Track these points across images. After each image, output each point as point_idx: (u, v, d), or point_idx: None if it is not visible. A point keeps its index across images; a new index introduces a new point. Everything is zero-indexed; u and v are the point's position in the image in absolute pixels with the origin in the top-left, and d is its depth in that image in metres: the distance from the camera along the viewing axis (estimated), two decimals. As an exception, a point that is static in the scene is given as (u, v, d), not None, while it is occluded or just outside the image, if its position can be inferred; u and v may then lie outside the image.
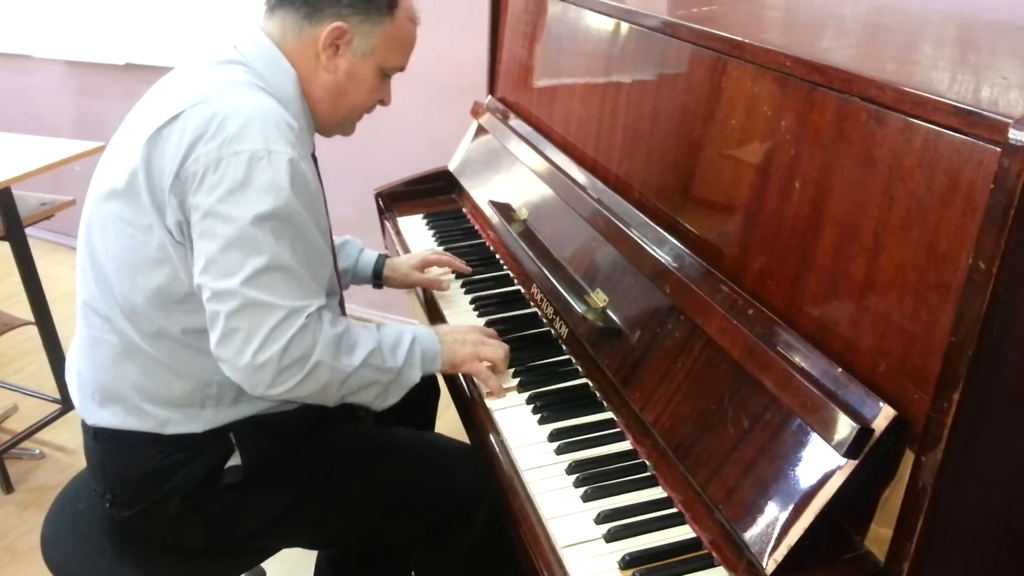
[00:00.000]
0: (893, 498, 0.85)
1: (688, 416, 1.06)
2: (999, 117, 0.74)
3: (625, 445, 1.18)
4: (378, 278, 1.64)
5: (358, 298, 1.94)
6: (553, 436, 1.21)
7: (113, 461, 1.24)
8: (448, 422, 1.69)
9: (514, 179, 1.75)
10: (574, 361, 1.37)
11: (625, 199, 1.37)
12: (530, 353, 1.39)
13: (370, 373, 1.20)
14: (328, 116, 1.28)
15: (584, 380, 1.33)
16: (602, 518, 1.05)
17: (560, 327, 1.43)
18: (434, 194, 2.06)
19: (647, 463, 1.13)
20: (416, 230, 1.92)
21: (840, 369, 0.91)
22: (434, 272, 1.68)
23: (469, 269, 1.67)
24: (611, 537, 1.02)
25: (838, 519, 0.89)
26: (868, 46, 1.17)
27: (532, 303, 1.55)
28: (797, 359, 0.96)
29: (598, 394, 1.28)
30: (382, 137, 2.51)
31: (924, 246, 0.83)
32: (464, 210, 1.97)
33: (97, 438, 1.24)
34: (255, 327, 1.09)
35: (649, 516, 1.04)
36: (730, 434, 0.99)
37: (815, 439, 0.89)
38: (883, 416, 0.85)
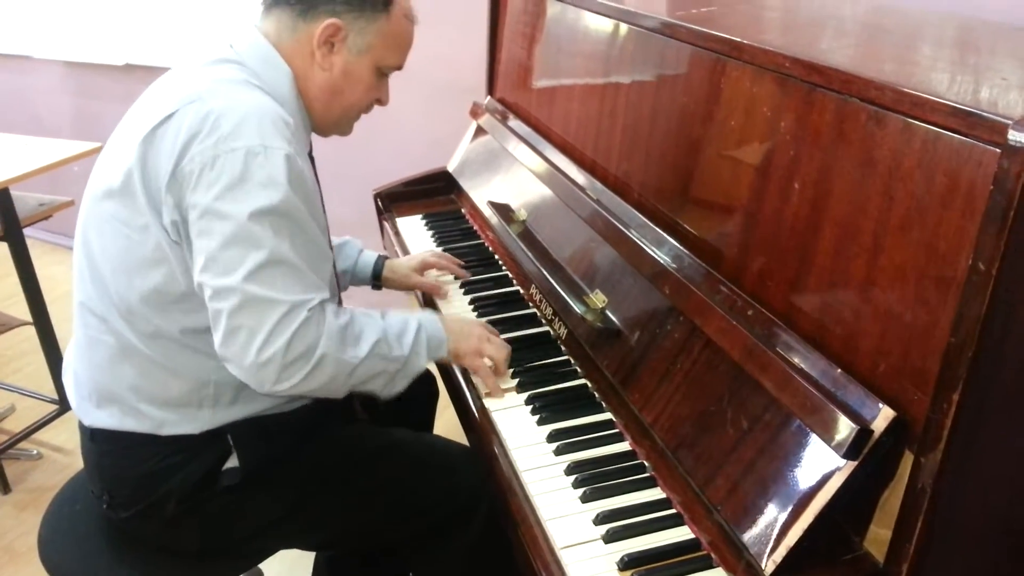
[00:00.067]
0: (892, 499, 0.85)
1: (687, 417, 1.06)
2: (998, 118, 0.74)
3: (624, 446, 1.18)
4: (377, 279, 1.64)
5: (357, 299, 1.93)
6: (552, 437, 1.21)
7: (110, 462, 1.24)
8: (447, 422, 1.69)
9: (513, 180, 1.75)
10: (573, 362, 1.37)
11: (624, 200, 1.37)
12: (529, 354, 1.39)
13: (377, 363, 1.20)
14: (324, 115, 1.28)
15: (583, 381, 1.32)
16: (601, 519, 1.05)
17: (559, 328, 1.43)
18: (433, 195, 2.05)
19: (646, 464, 1.13)
20: (415, 231, 1.92)
21: (839, 370, 0.91)
22: (433, 275, 1.68)
23: (468, 274, 1.67)
24: (610, 538, 1.02)
25: (837, 520, 0.89)
26: (867, 47, 1.17)
27: (531, 304, 1.55)
28: (796, 360, 0.95)
29: (597, 395, 1.28)
30: (381, 137, 2.51)
31: (924, 247, 0.83)
32: (463, 211, 1.97)
33: (94, 439, 1.24)
34: (258, 323, 1.09)
35: (648, 517, 1.04)
36: (729, 435, 0.99)
37: (814, 440, 0.89)
38: (882, 417, 0.84)
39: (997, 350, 0.77)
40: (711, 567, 0.96)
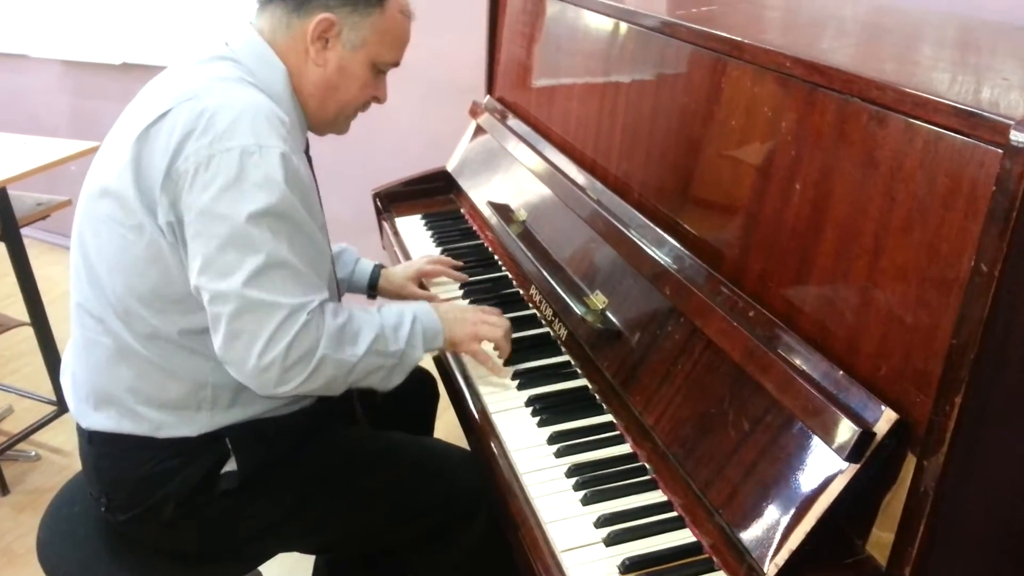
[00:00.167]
0: (895, 502, 0.84)
1: (688, 419, 1.05)
2: (1000, 118, 0.74)
3: (625, 448, 1.17)
4: (373, 289, 1.63)
5: (359, 301, 1.93)
6: (552, 439, 1.20)
7: (108, 465, 1.23)
8: (446, 423, 1.68)
9: (513, 180, 1.74)
10: (573, 363, 1.37)
11: (624, 200, 1.36)
12: (529, 354, 1.39)
13: (375, 359, 1.20)
14: (319, 112, 1.26)
15: (584, 382, 1.32)
16: (602, 522, 1.04)
17: (559, 329, 1.42)
18: (432, 194, 2.05)
19: (647, 466, 1.12)
20: (414, 231, 1.92)
21: (841, 372, 0.90)
22: (432, 282, 1.67)
23: (466, 277, 1.66)
24: (611, 541, 1.02)
25: (839, 523, 0.88)
26: (868, 46, 1.16)
27: (531, 304, 1.54)
28: (798, 362, 0.95)
29: (598, 396, 1.28)
30: (379, 137, 2.51)
31: (925, 248, 0.83)
32: (462, 211, 1.97)
33: (92, 441, 1.24)
34: (259, 328, 1.08)
35: (649, 520, 1.04)
36: (731, 437, 0.98)
37: (816, 442, 0.88)
38: (885, 419, 0.84)
39: (1000, 352, 0.76)
40: (713, 570, 0.96)
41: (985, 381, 0.76)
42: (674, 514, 1.04)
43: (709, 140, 1.17)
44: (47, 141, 2.37)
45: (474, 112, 2.03)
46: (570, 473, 1.13)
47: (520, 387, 1.32)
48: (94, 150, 2.22)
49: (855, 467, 0.84)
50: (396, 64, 1.29)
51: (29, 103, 3.61)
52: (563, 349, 1.40)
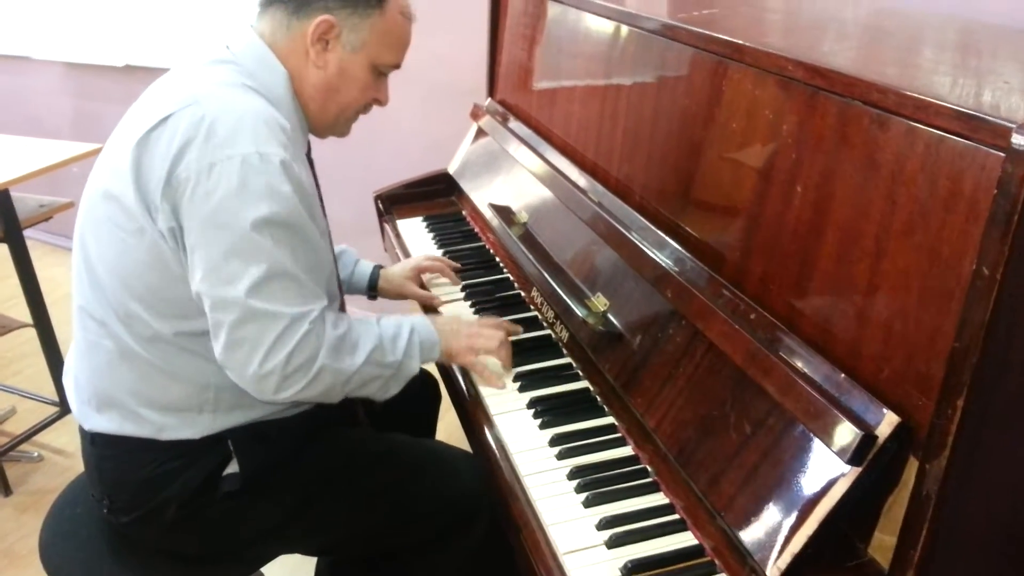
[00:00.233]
0: (897, 505, 0.84)
1: (690, 421, 1.05)
2: (1002, 122, 0.74)
3: (626, 450, 1.17)
4: (372, 290, 1.64)
5: (360, 302, 1.93)
6: (554, 441, 1.20)
7: (110, 467, 1.23)
8: (448, 425, 1.68)
9: (514, 182, 1.74)
10: (575, 365, 1.37)
11: (625, 202, 1.36)
12: (530, 357, 1.39)
13: (373, 369, 1.21)
14: (320, 115, 1.26)
15: (585, 384, 1.32)
16: (603, 524, 1.04)
17: (560, 331, 1.42)
18: (434, 197, 2.05)
19: (648, 469, 1.12)
20: (416, 233, 1.92)
21: (843, 375, 0.90)
22: (428, 279, 1.67)
23: (459, 281, 1.66)
24: (612, 544, 1.02)
25: (842, 526, 0.88)
26: (869, 50, 1.16)
27: (532, 307, 1.54)
28: (799, 364, 0.95)
29: (599, 399, 1.28)
30: (381, 139, 2.51)
31: (927, 251, 0.83)
32: (464, 213, 1.97)
33: (94, 443, 1.24)
34: (260, 337, 1.09)
35: (651, 523, 1.04)
36: (732, 440, 0.98)
37: (818, 445, 0.88)
38: (887, 423, 0.84)
39: (1002, 355, 0.76)
40: (715, 573, 0.96)
41: (987, 384, 0.76)
42: (676, 517, 1.04)
43: (710, 143, 1.17)
44: (49, 143, 2.37)
45: (475, 114, 2.03)
46: (572, 475, 1.13)
47: (522, 389, 1.32)
48: (96, 152, 2.23)
49: (857, 470, 0.84)
50: (397, 66, 1.29)
51: (31, 105, 3.62)
52: (564, 351, 1.40)
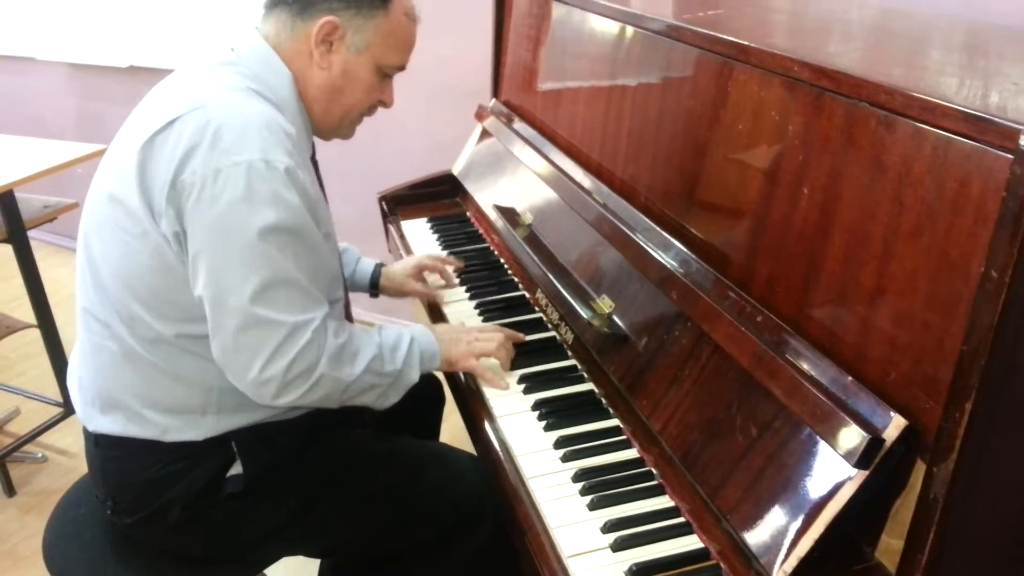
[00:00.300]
0: (904, 509, 0.84)
1: (695, 424, 1.05)
2: (1009, 123, 0.73)
3: (632, 453, 1.17)
4: (374, 287, 1.64)
5: (363, 303, 1.94)
6: (559, 443, 1.20)
7: (114, 468, 1.23)
8: (452, 427, 1.68)
9: (518, 183, 1.74)
10: (580, 367, 1.36)
11: (631, 204, 1.36)
12: (535, 358, 1.39)
13: (371, 378, 1.22)
14: (324, 116, 1.26)
15: (590, 386, 1.32)
16: (609, 527, 1.04)
17: (565, 333, 1.42)
18: (438, 198, 2.05)
19: (654, 471, 1.12)
20: (420, 234, 1.92)
21: (850, 378, 0.90)
22: (430, 279, 1.67)
23: (456, 281, 1.66)
24: (618, 546, 1.01)
25: (848, 530, 0.88)
26: (876, 50, 1.16)
27: (537, 308, 1.54)
28: (806, 367, 0.95)
29: (604, 401, 1.28)
30: (385, 140, 2.51)
31: (935, 253, 0.82)
32: (468, 214, 1.97)
33: (98, 445, 1.24)
34: (262, 344, 1.10)
35: (656, 525, 1.04)
36: (738, 443, 0.98)
37: (825, 448, 0.88)
38: (894, 426, 0.84)
39: (1010, 358, 0.76)
40: (720, 576, 0.96)
41: (995, 387, 0.76)
42: (681, 520, 1.04)
43: (716, 144, 1.16)
44: (54, 144, 2.37)
45: (480, 115, 2.03)
46: (577, 478, 1.13)
47: (526, 391, 1.32)
48: (100, 153, 2.24)
49: (864, 473, 0.84)
50: (402, 68, 1.28)
51: (36, 106, 3.62)
52: (569, 353, 1.40)
